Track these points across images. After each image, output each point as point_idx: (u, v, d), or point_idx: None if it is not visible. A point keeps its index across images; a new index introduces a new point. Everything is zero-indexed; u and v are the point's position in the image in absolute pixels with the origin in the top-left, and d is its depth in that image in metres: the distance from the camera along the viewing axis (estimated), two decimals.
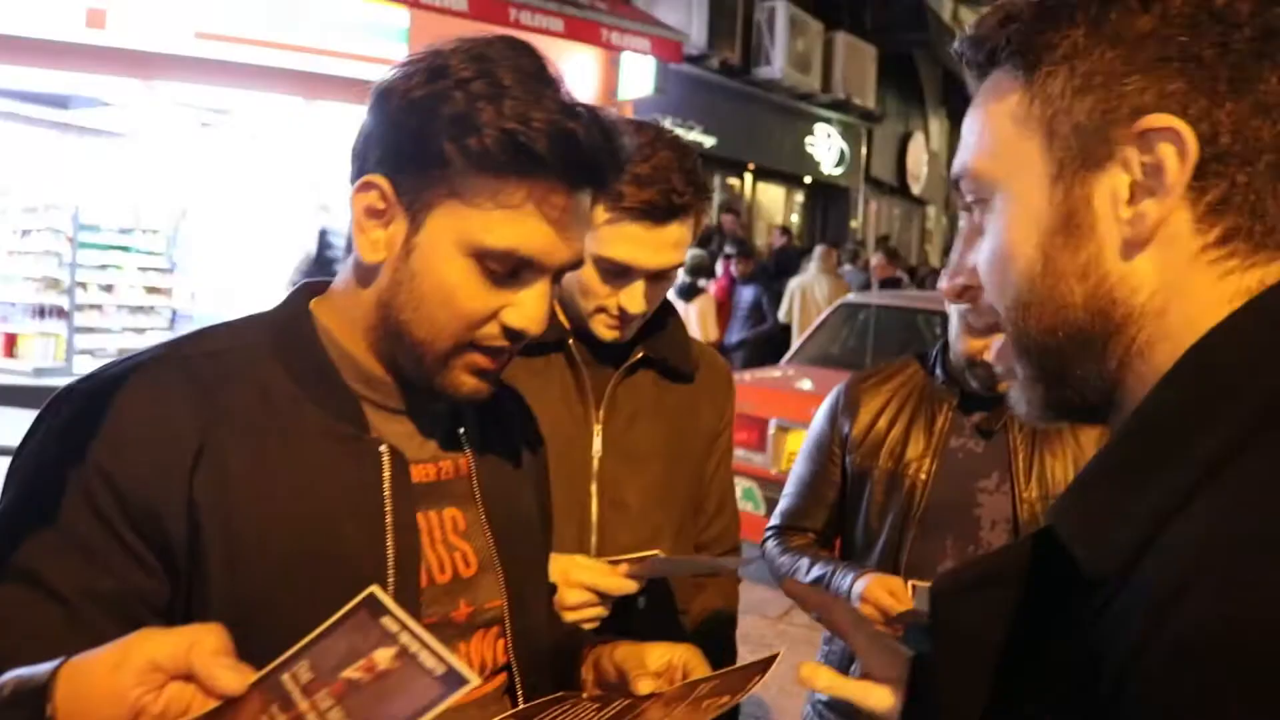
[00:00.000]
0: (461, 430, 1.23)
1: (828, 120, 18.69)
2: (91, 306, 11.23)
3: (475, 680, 0.79)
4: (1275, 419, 0.63)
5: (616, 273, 1.66)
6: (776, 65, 16.04)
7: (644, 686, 1.21)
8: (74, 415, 1.04)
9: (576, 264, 1.14)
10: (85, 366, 10.85)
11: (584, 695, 1.10)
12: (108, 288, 11.36)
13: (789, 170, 18.20)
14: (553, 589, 1.50)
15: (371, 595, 0.88)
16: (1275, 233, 0.71)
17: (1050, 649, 0.74)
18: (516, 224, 1.07)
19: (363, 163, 1.11)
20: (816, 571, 2.10)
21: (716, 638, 1.94)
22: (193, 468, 1.02)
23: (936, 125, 24.20)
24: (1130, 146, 0.73)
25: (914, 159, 22.47)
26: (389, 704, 0.79)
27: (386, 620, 0.86)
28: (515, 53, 1.08)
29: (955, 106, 24.59)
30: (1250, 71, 0.70)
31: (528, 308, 1.11)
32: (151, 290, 11.76)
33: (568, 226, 1.10)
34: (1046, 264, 0.76)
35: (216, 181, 11.47)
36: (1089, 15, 0.74)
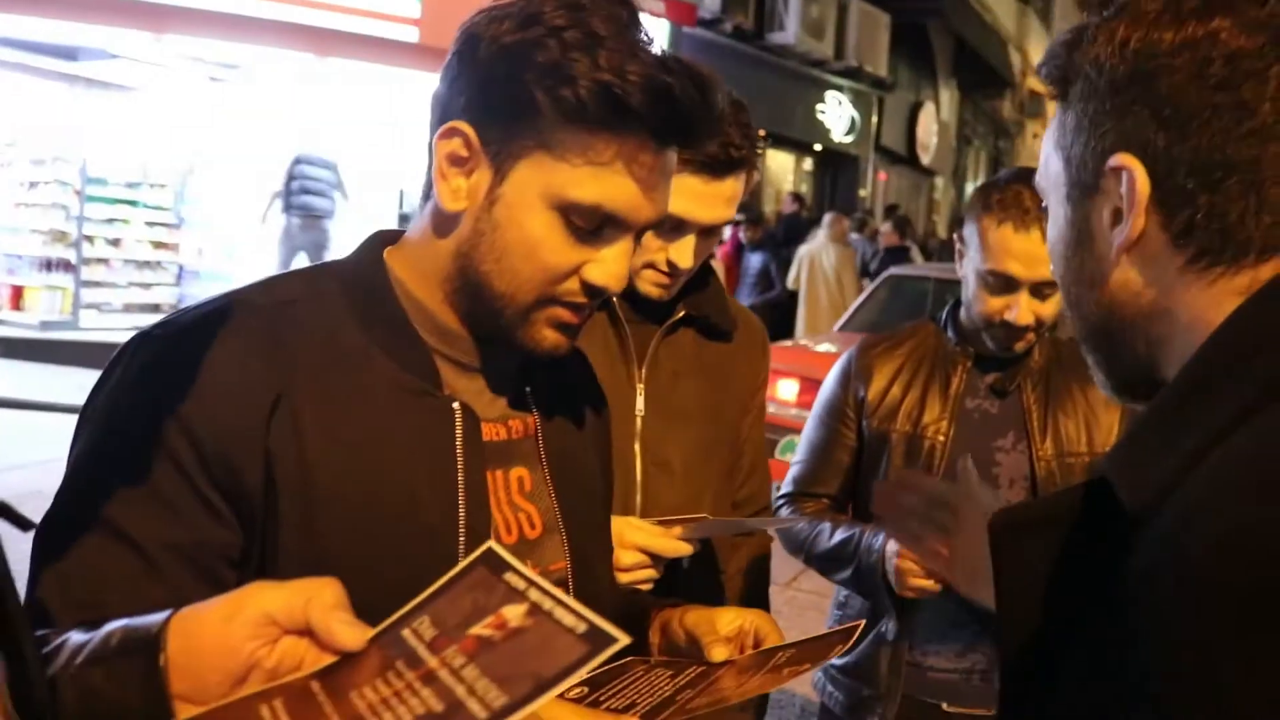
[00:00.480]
0: (529, 389, 1.21)
1: (839, 88, 18.57)
2: (98, 260, 11.19)
3: (624, 639, 0.76)
4: (1277, 390, 0.72)
5: (671, 226, 1.64)
6: (790, 31, 15.93)
7: (718, 654, 1.19)
8: (150, 362, 1.02)
9: (658, 224, 1.12)
10: (91, 321, 10.87)
11: (653, 661, 1.07)
12: (115, 242, 11.32)
13: (799, 137, 18.11)
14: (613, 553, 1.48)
15: (490, 550, 0.85)
16: (1253, 242, 0.79)
17: (1094, 588, 0.80)
18: (605, 180, 1.04)
19: (445, 109, 1.07)
20: (841, 535, 2.09)
21: (752, 595, 1.94)
22: (269, 418, 1.01)
23: (947, 96, 24.06)
24: (1108, 179, 0.84)
25: (924, 129, 22.36)
26: (531, 661, 0.75)
27: (510, 576, 0.82)
28: (610, 1, 1.04)
29: (965, 78, 24.47)
30: (1213, 103, 0.78)
31: (610, 264, 1.08)
32: (158, 245, 11.72)
33: (655, 185, 1.07)
34: (1070, 273, 0.91)
35: (225, 137, 11.39)
36: (1086, 62, 0.86)
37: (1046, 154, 0.93)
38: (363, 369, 1.07)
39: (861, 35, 18.01)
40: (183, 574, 0.96)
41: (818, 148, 19.03)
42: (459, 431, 1.10)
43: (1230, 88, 0.78)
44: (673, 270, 1.67)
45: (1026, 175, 1.99)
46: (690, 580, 1.75)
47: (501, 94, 1.03)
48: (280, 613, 0.81)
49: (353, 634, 0.82)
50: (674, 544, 1.56)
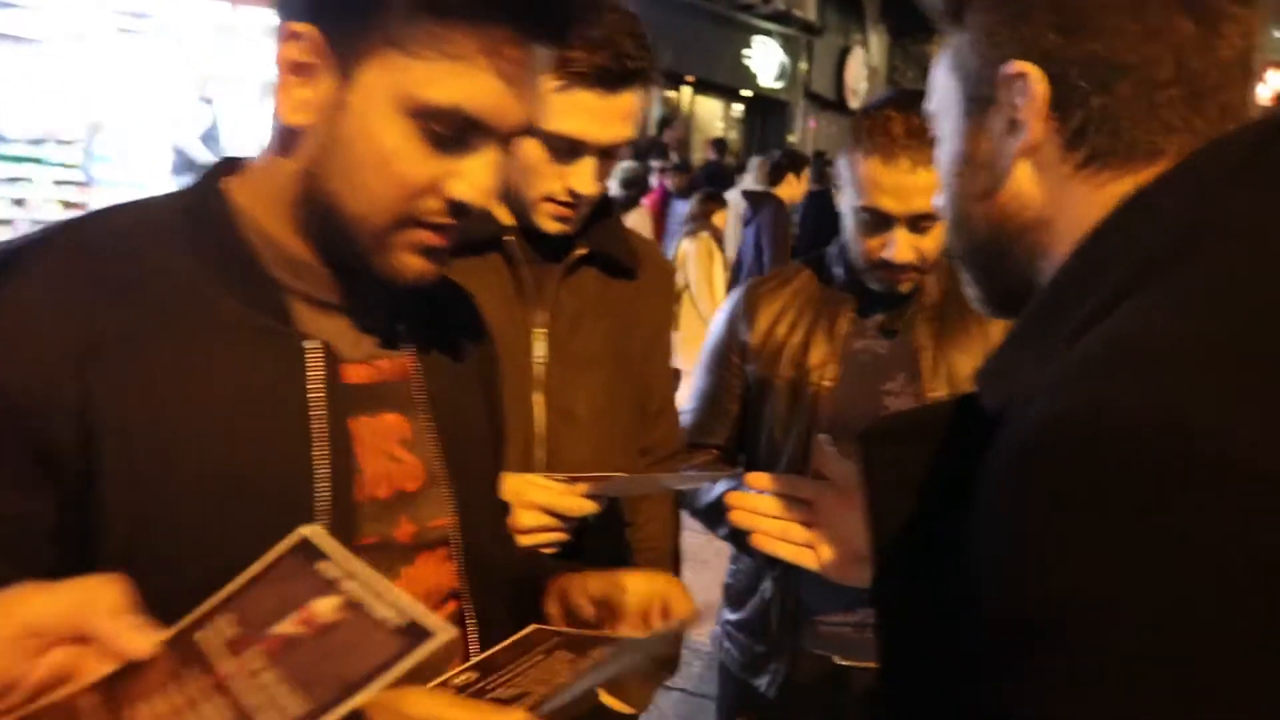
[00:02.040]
0: (401, 327, 1.09)
1: (767, 32, 18.44)
2: (2, 222, 10.80)
3: (446, 633, 0.67)
4: (1139, 284, 0.74)
5: (567, 149, 1.53)
6: None
7: (626, 629, 1.08)
8: None
9: (526, 129, 1.01)
10: None
11: (554, 633, 0.96)
12: (19, 202, 10.90)
13: (727, 83, 17.99)
14: (506, 510, 1.37)
15: (304, 538, 0.76)
16: (1140, 145, 0.81)
17: (955, 490, 0.81)
18: (464, 77, 0.92)
19: (287, 9, 0.95)
20: (720, 488, 2.00)
21: (663, 548, 1.86)
22: (82, 366, 0.88)
23: (876, 40, 24.02)
24: (1002, 90, 0.85)
25: (853, 74, 22.32)
26: (337, 663, 0.67)
27: (324, 566, 0.73)
28: None
29: (895, 22, 24.42)
30: (1106, 4, 0.80)
31: (476, 176, 0.97)
32: (67, 205, 11.26)
33: (521, 83, 0.96)
34: (959, 190, 0.92)
35: (135, 91, 10.99)
36: None
37: (939, 80, 0.94)
38: (201, 307, 0.95)
39: None
40: None
41: (746, 93, 18.92)
42: (313, 373, 0.98)
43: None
44: (574, 198, 1.56)
45: (899, 99, 1.86)
46: (595, 538, 1.66)
47: None
48: (46, 622, 0.70)
49: (138, 639, 0.72)
50: (579, 502, 1.47)
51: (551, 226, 1.59)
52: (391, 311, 1.09)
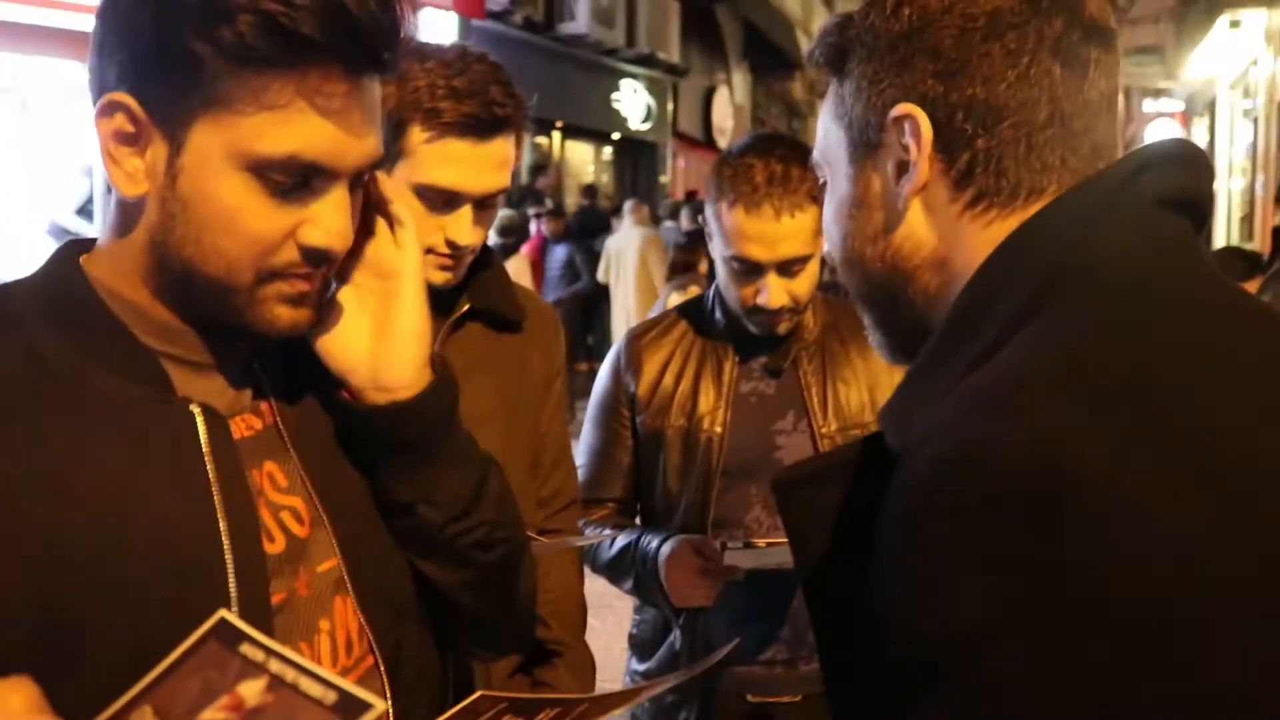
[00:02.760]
0: (263, 376, 1.07)
1: (634, 75, 18.66)
2: None
3: (380, 706, 0.66)
4: (1021, 324, 0.79)
5: (443, 201, 1.53)
6: (580, 20, 15.88)
7: None
8: None
9: (374, 163, 1.00)
10: None
11: (501, 698, 0.95)
12: None
13: (597, 127, 18.12)
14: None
15: (222, 621, 0.73)
16: (1023, 184, 0.86)
17: (867, 530, 0.85)
18: (293, 124, 0.90)
19: (101, 81, 0.92)
20: (621, 542, 2.01)
21: (568, 601, 1.85)
22: None
23: (740, 78, 24.53)
24: (890, 133, 0.89)
25: (719, 112, 22.73)
26: None
27: (247, 648, 0.71)
28: None
29: (757, 60, 25.00)
30: (982, 51, 0.86)
31: (326, 221, 0.95)
32: None
33: (356, 120, 0.94)
34: (852, 232, 0.95)
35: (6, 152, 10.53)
36: (861, 31, 0.92)
37: (825, 128, 0.97)
38: (75, 387, 0.92)
39: (652, 22, 18.14)
40: None
41: (616, 136, 19.09)
42: (204, 436, 0.96)
43: (996, 38, 0.86)
44: (454, 250, 1.56)
45: (758, 145, 1.89)
46: None
47: (155, 49, 0.89)
48: None
49: None
50: None
51: (436, 278, 1.58)
52: (252, 363, 1.07)
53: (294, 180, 0.92)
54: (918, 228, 0.90)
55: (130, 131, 0.92)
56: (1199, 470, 0.67)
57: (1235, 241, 14.09)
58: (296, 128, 0.90)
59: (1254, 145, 15.47)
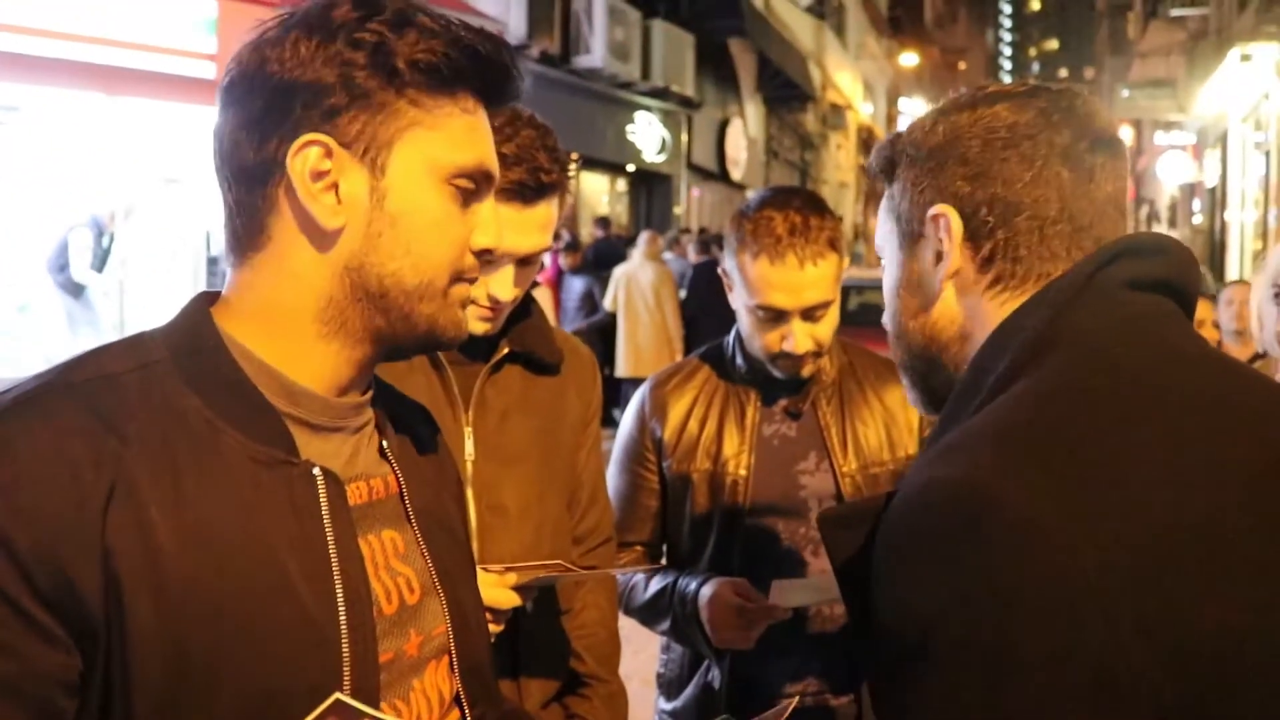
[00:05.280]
0: (384, 443, 1.13)
1: (648, 108, 18.83)
2: None
3: None
4: (1000, 389, 0.95)
5: (486, 261, 1.59)
6: (597, 54, 16.06)
7: None
8: None
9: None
10: None
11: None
12: None
13: (612, 159, 18.26)
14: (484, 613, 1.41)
15: (338, 701, 0.80)
16: (1033, 270, 1.02)
17: None
18: (473, 135, 1.04)
19: (292, 125, 0.98)
20: (655, 586, 2.05)
21: (600, 635, 1.89)
22: (104, 510, 0.88)
23: (753, 110, 24.70)
24: (928, 227, 1.06)
25: (733, 144, 22.87)
26: None
27: None
28: None
29: (770, 94, 25.17)
30: (1002, 158, 1.02)
31: (491, 225, 1.08)
32: None
33: (491, 141, 1.09)
34: (899, 310, 1.12)
35: (6, 184, 10.65)
36: (906, 144, 1.10)
37: (881, 222, 1.14)
38: (208, 443, 0.96)
39: (667, 56, 18.31)
40: (12, 713, 0.84)
41: (630, 168, 19.23)
42: (324, 499, 1.00)
43: (1013, 146, 1.02)
44: (494, 304, 1.62)
45: (774, 199, 1.96)
46: (532, 622, 1.71)
47: (347, 86, 0.98)
48: None
49: None
50: (506, 595, 1.51)
51: (477, 328, 1.64)
52: (376, 431, 1.12)
53: (476, 186, 1.05)
54: (950, 306, 1.07)
55: (323, 169, 0.98)
56: (1101, 502, 0.83)
57: (1248, 275, 14.10)
58: (478, 138, 1.05)
59: (1266, 178, 15.51)
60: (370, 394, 1.11)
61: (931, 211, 1.05)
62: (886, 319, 1.15)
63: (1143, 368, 0.93)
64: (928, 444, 1.01)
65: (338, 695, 0.81)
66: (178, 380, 0.98)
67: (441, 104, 1.02)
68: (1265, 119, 15.49)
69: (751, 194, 2.08)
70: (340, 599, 0.99)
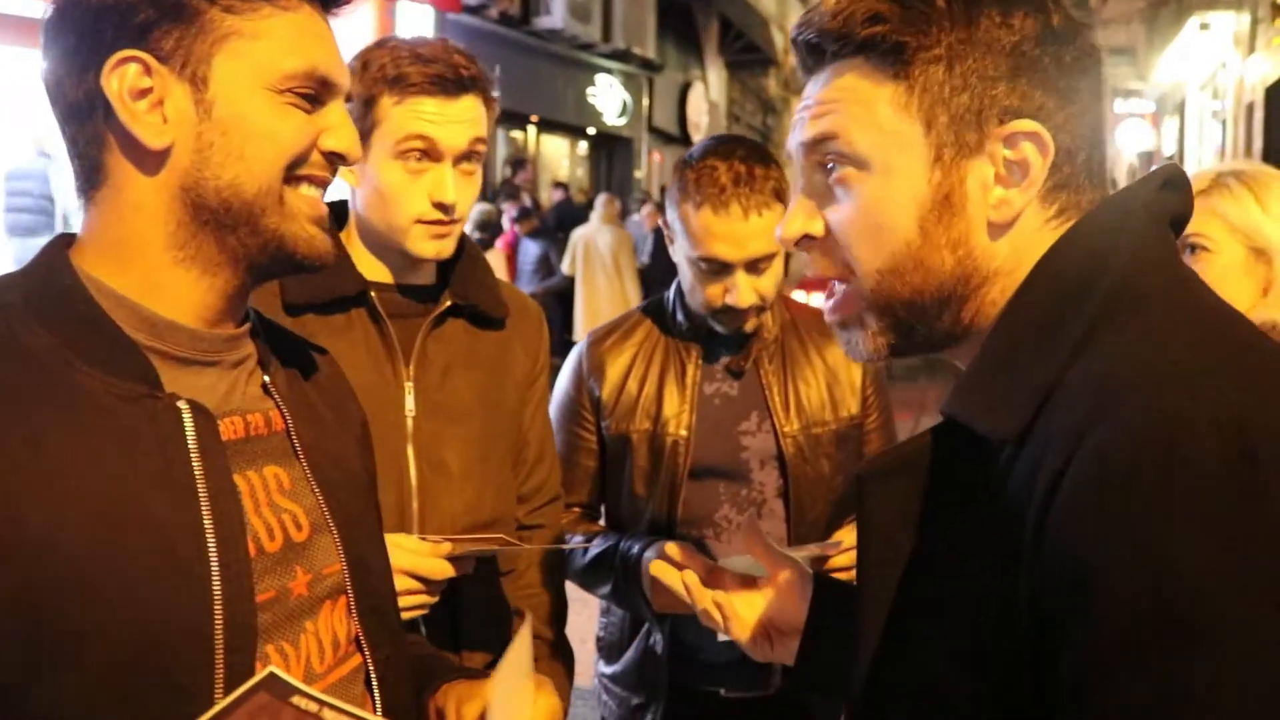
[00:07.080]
0: (267, 379, 1.10)
1: (609, 71, 18.67)
2: None
3: None
4: (1116, 308, 0.85)
5: (419, 154, 1.58)
6: (556, 15, 15.89)
7: None
8: None
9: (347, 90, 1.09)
10: None
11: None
12: None
13: (572, 121, 18.12)
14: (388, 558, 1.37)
15: (272, 674, 0.78)
16: (1084, 200, 0.93)
17: (960, 519, 0.90)
18: (303, 41, 1.01)
19: (101, 44, 0.96)
20: (596, 548, 2.01)
21: (544, 594, 1.87)
22: None
23: (715, 75, 24.58)
24: (998, 143, 0.90)
25: (694, 108, 22.77)
26: None
27: (298, 699, 0.76)
28: None
29: (732, 57, 25.05)
30: (1076, 82, 0.91)
31: (342, 130, 1.05)
32: None
33: (336, 49, 1.07)
34: (924, 236, 0.92)
35: None
36: (960, 23, 0.90)
37: (875, 119, 0.93)
38: (64, 382, 0.93)
39: (628, 17, 18.16)
40: None
41: (591, 131, 19.10)
42: (191, 433, 0.97)
43: (1085, 73, 0.93)
44: (444, 210, 1.59)
45: (719, 148, 1.92)
46: (473, 588, 1.66)
47: (154, 9, 0.96)
48: None
49: None
50: (442, 566, 1.47)
51: (430, 248, 1.60)
52: (259, 368, 1.10)
53: (313, 93, 1.02)
54: (1001, 240, 0.93)
55: (145, 86, 0.96)
56: None
57: None
58: (309, 44, 1.01)
59: (1222, 146, 15.66)
60: (248, 326, 1.09)
61: (1015, 127, 0.90)
62: (870, 251, 0.95)
63: (1220, 302, 0.91)
64: (974, 386, 0.91)
65: (271, 669, 0.79)
66: (31, 321, 0.96)
67: (259, 8, 0.99)
68: (1222, 88, 15.63)
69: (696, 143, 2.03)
70: (210, 534, 0.96)
